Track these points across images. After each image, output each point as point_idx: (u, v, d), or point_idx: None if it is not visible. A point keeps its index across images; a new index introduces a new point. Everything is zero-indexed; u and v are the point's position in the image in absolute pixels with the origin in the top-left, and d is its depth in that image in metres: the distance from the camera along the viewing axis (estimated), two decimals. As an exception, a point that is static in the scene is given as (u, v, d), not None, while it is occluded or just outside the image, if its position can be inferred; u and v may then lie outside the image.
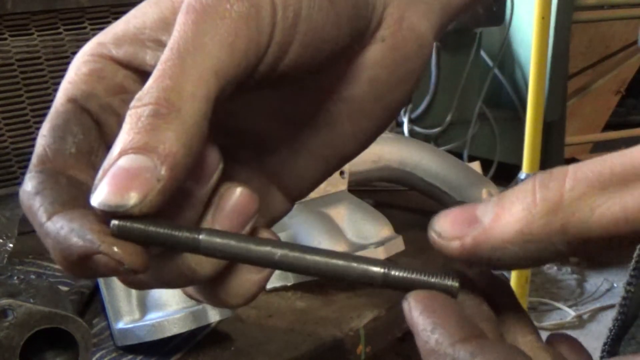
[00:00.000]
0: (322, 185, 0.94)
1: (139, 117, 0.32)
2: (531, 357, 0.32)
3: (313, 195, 0.93)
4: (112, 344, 0.79)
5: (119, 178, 0.32)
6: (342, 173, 0.96)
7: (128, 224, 0.33)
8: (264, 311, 0.86)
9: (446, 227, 0.33)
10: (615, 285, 3.11)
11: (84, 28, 1.14)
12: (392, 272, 0.34)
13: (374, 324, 0.84)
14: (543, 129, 2.47)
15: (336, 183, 0.95)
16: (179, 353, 0.77)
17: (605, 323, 2.74)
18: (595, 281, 3.16)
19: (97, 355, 0.77)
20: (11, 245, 0.91)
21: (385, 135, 1.12)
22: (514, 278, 2.47)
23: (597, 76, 3.50)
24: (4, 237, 0.91)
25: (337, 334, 0.81)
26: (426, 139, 2.91)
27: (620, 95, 3.76)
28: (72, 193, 0.35)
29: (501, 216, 0.31)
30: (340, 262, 0.34)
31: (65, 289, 0.85)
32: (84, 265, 0.33)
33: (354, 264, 0.34)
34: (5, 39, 1.09)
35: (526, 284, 2.49)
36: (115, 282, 0.78)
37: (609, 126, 3.80)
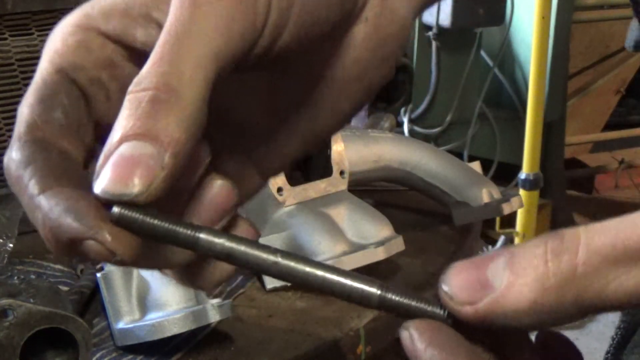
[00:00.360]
0: (322, 185, 0.94)
1: (138, 103, 0.32)
2: None
3: (313, 195, 0.93)
4: (112, 344, 0.79)
5: (122, 165, 0.31)
6: (342, 173, 0.96)
7: (129, 212, 0.32)
8: (264, 311, 0.86)
9: (457, 291, 0.32)
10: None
11: (84, 28, 1.14)
12: (389, 295, 0.33)
13: (374, 324, 0.84)
14: (543, 129, 2.48)
15: (336, 183, 0.95)
16: (179, 353, 0.77)
17: (605, 323, 2.74)
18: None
19: (97, 355, 0.77)
20: (11, 245, 0.91)
21: (385, 135, 1.12)
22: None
23: (597, 76, 3.50)
24: (4, 237, 0.91)
25: (337, 334, 0.81)
26: (426, 139, 2.90)
27: (620, 95, 3.76)
28: (64, 167, 0.34)
29: (514, 284, 0.31)
30: (336, 278, 0.33)
31: (65, 289, 0.85)
32: (72, 247, 0.32)
33: (350, 282, 0.33)
34: (6, 38, 1.09)
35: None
36: (116, 282, 0.78)
37: (609, 126, 3.80)
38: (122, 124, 0.32)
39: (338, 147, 0.96)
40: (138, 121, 0.32)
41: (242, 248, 0.33)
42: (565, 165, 3.28)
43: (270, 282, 0.89)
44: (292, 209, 0.91)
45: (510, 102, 3.21)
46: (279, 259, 0.33)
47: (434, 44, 3.03)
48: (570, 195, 3.34)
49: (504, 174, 2.91)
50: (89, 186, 0.33)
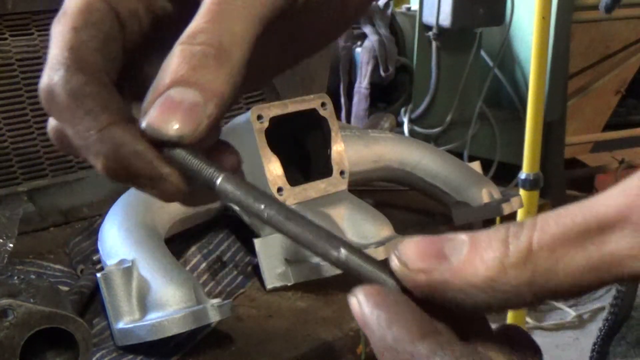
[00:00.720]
0: (322, 185, 0.94)
1: (192, 54, 0.35)
2: (489, 357, 0.32)
3: (313, 195, 0.93)
4: (112, 343, 0.79)
5: (171, 107, 0.35)
6: (342, 173, 0.96)
7: (178, 151, 0.35)
8: (264, 311, 0.86)
9: (413, 258, 0.32)
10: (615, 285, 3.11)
11: (84, 28, 1.14)
12: (348, 257, 0.34)
13: (374, 324, 0.84)
14: (543, 129, 2.47)
15: (336, 183, 0.95)
16: (179, 353, 0.77)
17: (605, 323, 2.74)
18: (596, 281, 3.15)
19: (97, 355, 0.77)
20: (11, 245, 0.91)
21: (385, 135, 1.12)
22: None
23: (597, 76, 3.50)
24: (4, 237, 0.91)
25: (337, 334, 0.81)
26: (426, 139, 2.90)
27: (621, 95, 3.76)
28: (112, 100, 0.37)
29: (473, 260, 0.31)
30: (310, 237, 0.35)
31: (65, 289, 0.85)
32: (132, 176, 0.36)
33: (320, 243, 0.35)
34: (6, 38, 1.09)
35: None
36: (116, 282, 0.78)
37: (609, 126, 3.80)
38: (173, 69, 0.35)
39: (338, 147, 0.96)
40: (190, 70, 0.35)
41: (246, 195, 0.36)
42: (565, 165, 3.28)
43: (271, 282, 0.89)
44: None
45: (510, 102, 3.20)
46: (273, 213, 0.35)
47: (434, 44, 3.03)
48: (570, 195, 3.34)
49: (504, 174, 2.91)
50: (130, 119, 0.36)
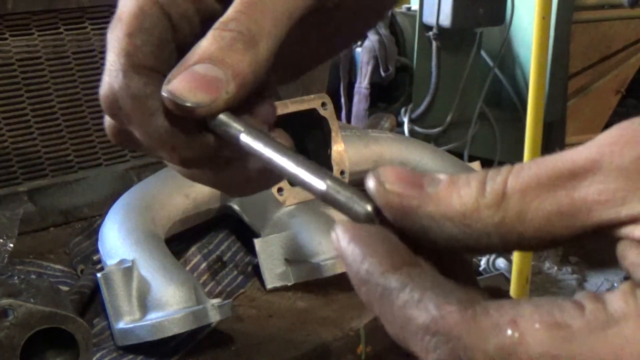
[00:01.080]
0: (323, 185, 0.94)
1: (222, 38, 0.38)
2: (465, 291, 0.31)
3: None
4: (113, 344, 0.79)
5: (194, 79, 0.38)
6: (342, 173, 0.96)
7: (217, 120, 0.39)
8: (264, 311, 0.86)
9: (391, 180, 0.33)
10: (615, 285, 3.11)
11: (85, 28, 1.14)
12: (330, 192, 0.35)
13: (374, 323, 0.84)
14: (543, 129, 2.47)
15: (336, 183, 0.95)
16: (179, 353, 0.77)
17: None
18: (596, 281, 3.16)
19: (98, 355, 0.77)
20: (11, 245, 0.91)
21: (385, 135, 1.12)
22: (514, 278, 2.47)
23: (597, 76, 3.50)
24: (5, 237, 0.91)
25: (337, 334, 0.81)
26: (426, 139, 2.90)
27: (621, 95, 3.76)
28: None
29: (450, 194, 0.32)
30: (292, 167, 0.37)
31: (65, 289, 0.85)
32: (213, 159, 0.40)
33: (302, 173, 0.37)
34: (6, 38, 1.09)
35: (526, 284, 2.49)
36: (116, 282, 0.78)
37: (609, 126, 3.79)
38: (202, 49, 0.38)
39: (338, 147, 0.96)
40: (217, 50, 0.38)
41: (257, 142, 0.38)
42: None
43: (271, 282, 0.89)
44: (293, 209, 0.91)
45: (510, 102, 3.21)
46: (275, 156, 0.38)
47: (434, 44, 3.03)
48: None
49: (504, 173, 2.91)
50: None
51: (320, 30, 0.47)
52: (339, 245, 0.33)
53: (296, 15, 0.40)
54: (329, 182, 0.35)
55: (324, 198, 0.35)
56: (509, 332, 0.28)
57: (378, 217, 0.33)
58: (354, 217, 0.34)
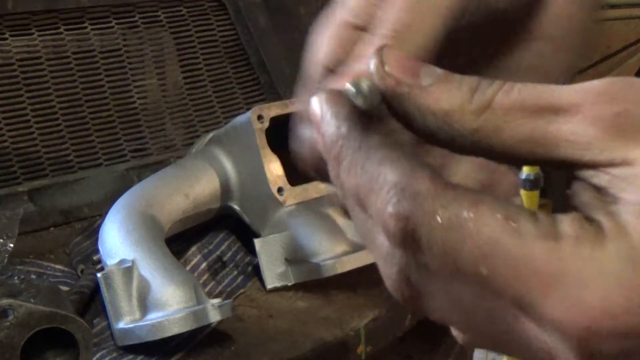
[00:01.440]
0: (323, 186, 0.94)
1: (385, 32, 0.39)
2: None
3: (313, 195, 0.93)
4: (113, 343, 0.79)
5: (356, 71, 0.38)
6: (342, 173, 0.96)
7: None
8: (265, 311, 0.86)
9: (393, 64, 0.35)
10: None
11: (85, 28, 1.14)
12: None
13: (374, 323, 0.84)
14: (543, 129, 2.47)
15: (336, 183, 0.95)
16: (179, 353, 0.77)
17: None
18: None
19: (98, 355, 0.77)
20: (12, 245, 0.91)
21: (386, 135, 1.12)
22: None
23: (597, 76, 3.48)
24: (5, 237, 0.91)
25: (337, 334, 0.81)
26: (426, 139, 2.90)
27: (621, 95, 3.75)
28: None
29: (441, 90, 0.34)
30: None
31: (65, 289, 0.85)
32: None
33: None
34: (6, 38, 1.09)
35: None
36: (116, 282, 0.78)
37: (609, 126, 3.80)
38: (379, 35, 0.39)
39: (338, 147, 0.96)
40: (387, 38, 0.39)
41: None
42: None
43: (271, 282, 0.89)
44: (293, 209, 0.91)
45: (510, 102, 3.21)
46: None
47: (434, 44, 3.03)
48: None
49: (504, 174, 2.91)
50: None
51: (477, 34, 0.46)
52: (320, 106, 0.35)
53: (453, 15, 0.40)
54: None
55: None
56: (465, 213, 0.30)
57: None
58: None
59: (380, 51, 0.35)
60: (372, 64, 0.35)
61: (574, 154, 0.32)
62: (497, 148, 0.33)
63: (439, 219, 0.31)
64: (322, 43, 0.41)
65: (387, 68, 0.35)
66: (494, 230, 0.30)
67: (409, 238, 0.31)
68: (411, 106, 0.34)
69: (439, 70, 0.35)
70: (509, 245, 0.30)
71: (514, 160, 0.34)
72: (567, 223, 0.31)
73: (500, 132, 0.33)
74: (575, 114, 0.32)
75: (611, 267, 0.29)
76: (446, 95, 0.34)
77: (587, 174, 0.32)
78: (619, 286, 0.29)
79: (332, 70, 0.41)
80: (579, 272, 0.29)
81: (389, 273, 0.33)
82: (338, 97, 0.35)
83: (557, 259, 0.30)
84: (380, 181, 0.32)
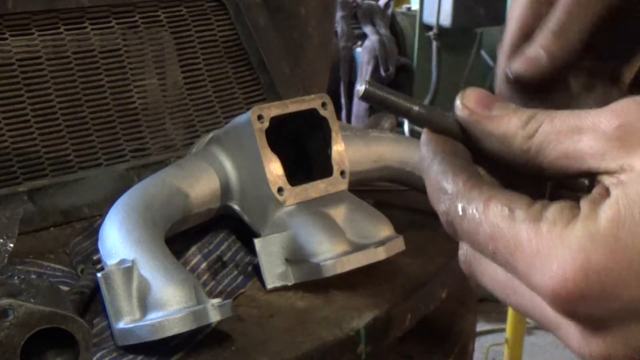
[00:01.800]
0: (323, 185, 0.94)
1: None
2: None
3: (313, 195, 0.93)
4: (113, 343, 0.79)
5: (520, 56, 0.53)
6: (342, 173, 0.96)
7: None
8: (265, 311, 0.86)
9: (471, 98, 0.45)
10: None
11: (85, 28, 1.14)
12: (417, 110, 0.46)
13: (374, 323, 0.84)
14: (543, 128, 2.47)
15: (336, 183, 0.95)
16: (180, 353, 0.77)
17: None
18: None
19: (98, 355, 0.77)
20: (12, 245, 0.91)
21: (385, 135, 1.12)
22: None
23: (597, 76, 3.49)
24: (5, 237, 0.91)
25: (337, 334, 0.81)
26: (426, 138, 2.90)
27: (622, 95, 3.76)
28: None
29: (504, 119, 0.43)
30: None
31: (65, 288, 0.85)
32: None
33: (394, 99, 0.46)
34: (6, 38, 1.09)
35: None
36: (116, 282, 0.78)
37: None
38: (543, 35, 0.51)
39: (339, 147, 0.96)
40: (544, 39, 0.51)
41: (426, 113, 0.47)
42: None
43: (271, 282, 0.89)
44: (293, 209, 0.91)
45: (510, 102, 3.20)
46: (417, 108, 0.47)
47: (434, 43, 3.03)
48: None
49: (504, 173, 2.91)
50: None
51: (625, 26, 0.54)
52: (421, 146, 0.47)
53: (607, 6, 0.49)
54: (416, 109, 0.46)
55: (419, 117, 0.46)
56: (481, 206, 0.41)
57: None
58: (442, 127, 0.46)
59: (462, 92, 0.45)
60: (456, 102, 0.45)
61: (593, 164, 0.39)
62: (544, 165, 0.42)
63: (460, 211, 0.42)
64: (517, 13, 0.52)
65: (465, 102, 0.45)
66: (496, 217, 0.40)
67: (450, 228, 0.43)
68: (477, 131, 0.44)
69: (512, 105, 0.44)
70: (505, 228, 0.39)
71: (559, 175, 0.42)
72: (551, 209, 0.39)
73: (543, 151, 0.41)
74: (594, 133, 0.39)
75: (574, 243, 0.36)
76: (506, 123, 0.43)
77: (603, 178, 0.39)
78: (576, 259, 0.36)
79: (527, 35, 0.51)
80: (549, 247, 0.37)
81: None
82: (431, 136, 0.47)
83: (536, 236, 0.38)
84: (439, 190, 0.44)
